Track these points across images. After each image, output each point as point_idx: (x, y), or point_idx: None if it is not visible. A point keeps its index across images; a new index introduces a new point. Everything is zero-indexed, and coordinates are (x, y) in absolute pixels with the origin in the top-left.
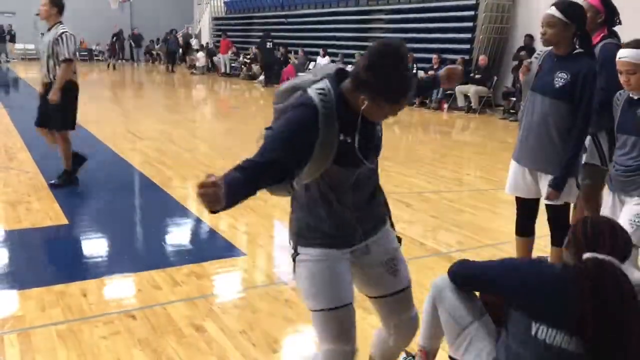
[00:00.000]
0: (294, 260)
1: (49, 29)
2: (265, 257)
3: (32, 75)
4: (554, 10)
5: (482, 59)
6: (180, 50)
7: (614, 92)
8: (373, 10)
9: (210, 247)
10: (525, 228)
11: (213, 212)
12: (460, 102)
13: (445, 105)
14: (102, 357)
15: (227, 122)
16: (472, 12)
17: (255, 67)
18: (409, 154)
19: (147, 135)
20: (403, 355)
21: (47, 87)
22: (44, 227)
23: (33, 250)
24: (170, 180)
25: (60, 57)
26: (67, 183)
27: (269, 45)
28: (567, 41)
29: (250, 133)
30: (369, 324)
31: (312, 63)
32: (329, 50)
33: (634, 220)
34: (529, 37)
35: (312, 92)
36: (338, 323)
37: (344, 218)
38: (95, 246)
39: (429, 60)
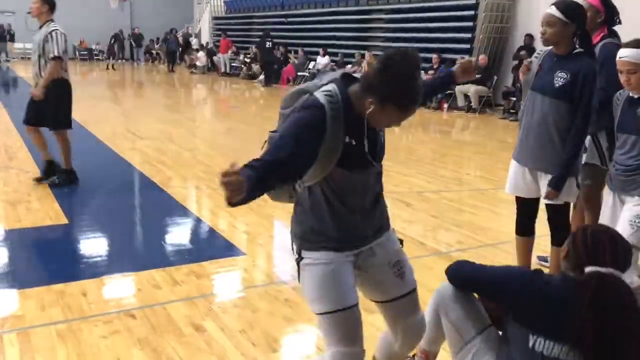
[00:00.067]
0: (298, 264)
1: (40, 27)
2: (265, 257)
3: (31, 75)
4: (553, 10)
5: (482, 59)
6: (180, 49)
7: (614, 92)
8: (373, 10)
9: (210, 247)
10: (525, 228)
11: (231, 204)
12: (460, 101)
13: (445, 105)
14: (102, 356)
15: (227, 122)
16: (472, 12)
17: (255, 67)
18: (409, 153)
19: (147, 135)
20: None
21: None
22: (44, 227)
23: (33, 250)
24: (170, 180)
25: (50, 55)
26: (66, 182)
27: (268, 44)
28: (567, 41)
29: (251, 132)
30: (370, 324)
31: (312, 63)
32: (329, 50)
33: (635, 222)
34: (529, 37)
35: (319, 94)
36: (345, 325)
37: (349, 221)
38: (95, 245)
39: (429, 60)
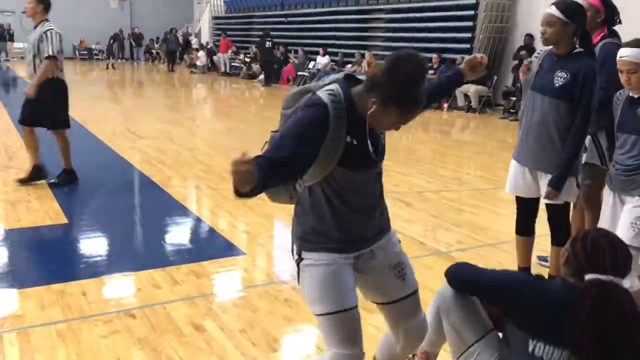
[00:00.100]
0: (298, 265)
1: (35, 27)
2: (264, 256)
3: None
4: (553, 10)
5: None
6: (180, 49)
7: (614, 92)
8: (373, 10)
9: (210, 247)
10: (525, 227)
11: (240, 194)
12: (460, 101)
13: (445, 105)
14: (102, 356)
15: (227, 121)
16: (472, 12)
17: (255, 67)
18: (409, 153)
19: (147, 134)
20: None
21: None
22: (44, 226)
23: (33, 249)
24: (170, 180)
25: (44, 54)
26: (66, 182)
27: (268, 44)
28: (567, 40)
29: (250, 132)
30: (371, 324)
31: (312, 62)
32: (329, 49)
33: (636, 224)
34: (529, 37)
35: (322, 93)
36: (345, 326)
37: (350, 221)
38: (94, 245)
39: (429, 60)
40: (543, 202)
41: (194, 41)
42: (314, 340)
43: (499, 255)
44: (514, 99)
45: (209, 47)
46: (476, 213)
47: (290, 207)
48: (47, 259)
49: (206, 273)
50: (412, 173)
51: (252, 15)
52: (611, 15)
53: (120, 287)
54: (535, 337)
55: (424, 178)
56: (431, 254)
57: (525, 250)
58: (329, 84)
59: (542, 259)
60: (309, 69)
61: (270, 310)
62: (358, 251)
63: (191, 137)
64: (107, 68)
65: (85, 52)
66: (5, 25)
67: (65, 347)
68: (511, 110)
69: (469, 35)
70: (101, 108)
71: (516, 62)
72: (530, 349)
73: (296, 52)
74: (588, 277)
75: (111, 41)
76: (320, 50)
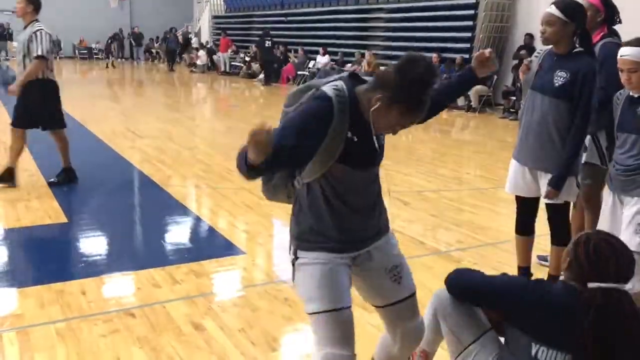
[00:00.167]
0: (293, 265)
1: (25, 27)
2: (264, 256)
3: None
4: (553, 9)
5: None
6: (180, 48)
7: (614, 91)
8: (373, 9)
9: (210, 246)
10: (525, 227)
11: (254, 167)
12: (460, 101)
13: None
14: (102, 355)
15: (226, 121)
16: (472, 11)
17: (255, 66)
18: (409, 152)
19: (147, 134)
20: None
21: (26, 86)
22: (43, 226)
23: (32, 249)
24: (170, 179)
25: (33, 54)
26: (66, 181)
27: (268, 43)
28: (567, 40)
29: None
30: (369, 323)
31: (312, 62)
32: (329, 49)
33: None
34: (529, 36)
35: (327, 88)
36: (338, 325)
37: (349, 220)
38: (94, 244)
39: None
40: (543, 202)
41: (193, 40)
42: (313, 340)
43: (499, 254)
44: (514, 98)
45: (208, 46)
46: (476, 212)
47: (290, 207)
48: (47, 258)
49: (206, 272)
50: (412, 172)
51: (252, 15)
52: (611, 15)
53: (120, 286)
54: (538, 341)
55: (424, 177)
56: (431, 253)
57: (525, 249)
58: (333, 80)
59: (542, 258)
60: (309, 68)
61: (270, 309)
62: (356, 251)
63: (191, 136)
64: (107, 67)
65: (85, 51)
66: (5, 24)
67: (64, 346)
68: (511, 110)
69: (469, 34)
70: (101, 107)
71: (516, 61)
72: (533, 352)
73: (296, 51)
74: (592, 285)
75: (109, 41)
76: (320, 49)
